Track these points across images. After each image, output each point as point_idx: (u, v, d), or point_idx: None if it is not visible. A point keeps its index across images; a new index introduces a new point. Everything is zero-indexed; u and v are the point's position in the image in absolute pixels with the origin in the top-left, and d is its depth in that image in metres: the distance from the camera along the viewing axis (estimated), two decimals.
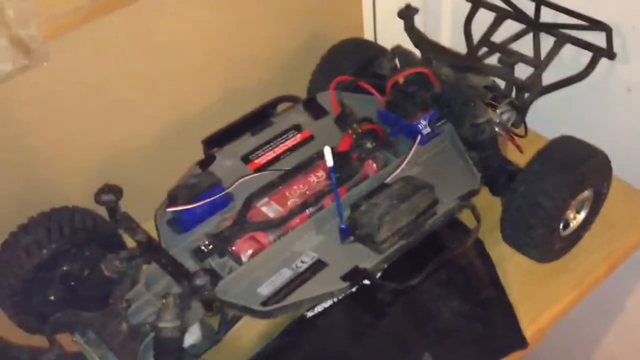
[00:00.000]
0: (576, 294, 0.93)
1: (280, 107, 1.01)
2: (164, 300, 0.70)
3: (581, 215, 0.91)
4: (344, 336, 0.85)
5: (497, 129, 0.88)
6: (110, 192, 0.77)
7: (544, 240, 0.85)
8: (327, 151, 0.72)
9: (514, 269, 0.94)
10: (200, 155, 0.93)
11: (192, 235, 0.81)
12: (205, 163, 0.89)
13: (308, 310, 0.84)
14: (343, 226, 0.78)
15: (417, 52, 1.00)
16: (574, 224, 0.91)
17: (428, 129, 0.89)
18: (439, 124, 0.90)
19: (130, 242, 0.87)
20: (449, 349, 0.85)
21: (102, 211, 0.85)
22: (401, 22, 1.00)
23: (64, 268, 0.83)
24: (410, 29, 0.99)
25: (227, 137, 0.93)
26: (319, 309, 0.85)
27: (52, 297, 0.84)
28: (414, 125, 0.89)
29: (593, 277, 0.94)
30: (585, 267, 0.95)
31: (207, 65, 1.05)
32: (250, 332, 0.86)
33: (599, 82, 1.04)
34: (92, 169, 0.98)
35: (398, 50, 0.95)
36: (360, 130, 0.85)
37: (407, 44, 1.03)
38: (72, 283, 0.84)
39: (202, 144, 0.92)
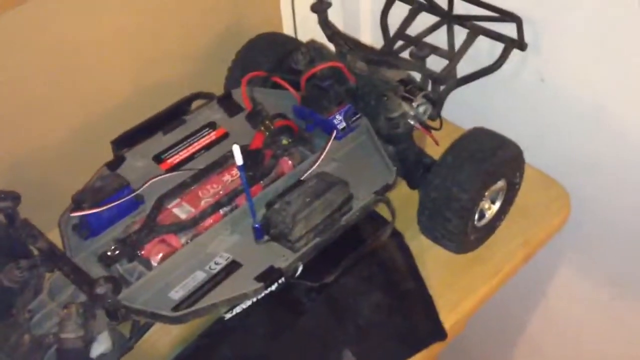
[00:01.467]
0: (494, 282, 0.94)
1: (195, 105, 0.98)
2: (65, 310, 0.67)
3: (496, 206, 0.92)
4: (262, 336, 0.83)
5: (412, 122, 0.87)
6: (7, 199, 0.73)
7: (460, 232, 0.86)
8: (236, 149, 0.70)
9: (433, 261, 0.94)
10: (111, 156, 0.90)
11: (99, 241, 0.78)
12: (114, 164, 0.86)
13: (226, 312, 0.83)
14: (257, 225, 0.77)
15: (332, 47, 0.99)
16: (489, 214, 0.92)
17: (343, 124, 0.88)
18: (354, 118, 0.89)
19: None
20: (368, 345, 0.85)
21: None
22: None
23: None
24: (324, 23, 0.98)
25: (138, 136, 0.90)
26: (237, 310, 0.83)
27: None
28: (329, 120, 0.88)
29: (510, 265, 0.96)
30: (502, 255, 0.96)
31: (116, 62, 1.01)
32: (165, 337, 0.83)
33: (513, 74, 1.05)
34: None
35: (312, 45, 0.93)
36: (272, 127, 0.84)
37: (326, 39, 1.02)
38: None
39: (112, 145, 0.88)
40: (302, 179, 0.82)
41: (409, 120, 0.87)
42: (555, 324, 1.33)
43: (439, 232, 0.87)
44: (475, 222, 0.89)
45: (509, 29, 1.00)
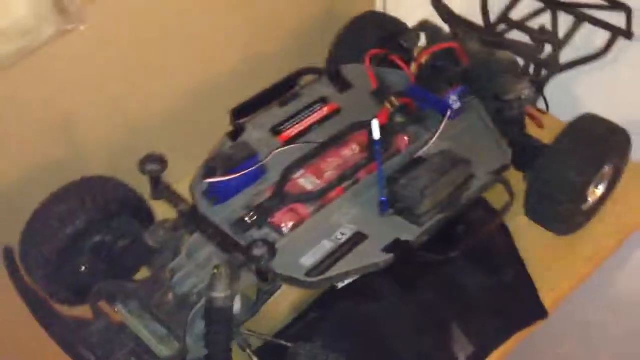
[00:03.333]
0: (591, 265, 0.96)
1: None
2: (215, 270, 0.70)
3: (599, 190, 0.94)
4: (375, 307, 0.86)
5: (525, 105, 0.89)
6: (156, 162, 0.76)
7: (569, 214, 0.88)
8: (375, 124, 0.73)
9: (530, 243, 0.96)
10: (220, 121, 0.92)
11: (229, 207, 0.80)
12: (235, 134, 0.88)
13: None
14: (383, 199, 0.79)
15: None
16: (592, 198, 0.93)
17: (458, 104, 0.90)
18: (467, 99, 0.91)
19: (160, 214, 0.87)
20: (474, 321, 0.88)
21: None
22: None
23: (96, 239, 0.82)
24: (438, 3, 0.99)
25: (255, 107, 0.92)
26: (348, 281, 0.86)
27: (82, 268, 0.83)
28: (444, 100, 0.89)
29: (605, 250, 0.98)
30: (597, 240, 0.98)
31: (227, 31, 1.03)
32: (283, 302, 0.86)
33: (611, 62, 1.06)
34: (116, 136, 0.97)
35: (426, 25, 0.95)
36: (397, 104, 0.86)
37: (417, 19, 1.03)
38: (103, 254, 0.83)
39: (230, 114, 0.91)
40: (424, 156, 0.84)
41: (523, 104, 0.88)
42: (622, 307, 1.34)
43: (547, 214, 0.89)
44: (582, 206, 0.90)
45: (612, 17, 1.00)
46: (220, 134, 0.91)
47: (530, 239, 0.96)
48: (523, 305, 0.90)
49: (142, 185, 0.84)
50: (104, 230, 0.83)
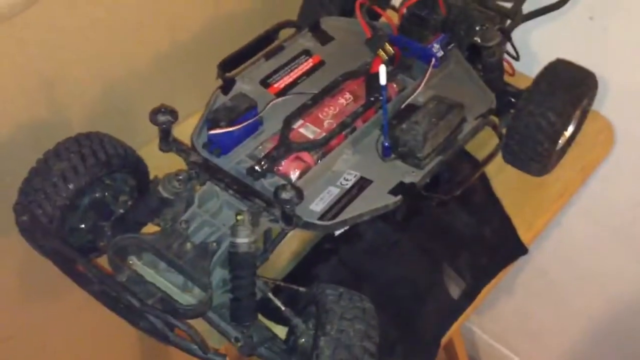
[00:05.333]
0: (560, 202, 1.03)
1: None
2: (238, 217, 0.70)
3: (568, 132, 1.00)
4: (371, 250, 0.89)
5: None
6: (167, 113, 0.75)
7: (548, 154, 0.93)
8: (383, 70, 0.75)
9: (502, 186, 1.02)
10: (195, 79, 0.93)
11: (235, 158, 0.81)
12: (226, 88, 0.88)
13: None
14: (386, 144, 0.81)
15: None
16: (562, 140, 1.00)
17: (442, 52, 0.93)
18: (449, 47, 0.94)
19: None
20: (463, 259, 0.92)
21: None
22: None
23: (97, 195, 0.81)
24: None
25: (241, 61, 0.92)
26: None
27: (82, 225, 0.81)
28: (428, 48, 0.92)
29: (573, 187, 1.05)
30: (565, 179, 1.04)
31: None
32: (284, 251, 0.88)
33: (563, 10, 1.12)
34: (93, 96, 0.95)
35: None
36: (392, 52, 0.88)
37: None
38: (104, 210, 0.82)
39: (218, 67, 0.90)
40: (415, 103, 0.87)
41: (502, 50, 0.92)
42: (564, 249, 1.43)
43: (526, 156, 0.94)
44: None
45: None
46: (195, 91, 0.92)
47: (501, 181, 1.01)
48: (505, 243, 0.96)
49: None
50: (104, 186, 0.81)
